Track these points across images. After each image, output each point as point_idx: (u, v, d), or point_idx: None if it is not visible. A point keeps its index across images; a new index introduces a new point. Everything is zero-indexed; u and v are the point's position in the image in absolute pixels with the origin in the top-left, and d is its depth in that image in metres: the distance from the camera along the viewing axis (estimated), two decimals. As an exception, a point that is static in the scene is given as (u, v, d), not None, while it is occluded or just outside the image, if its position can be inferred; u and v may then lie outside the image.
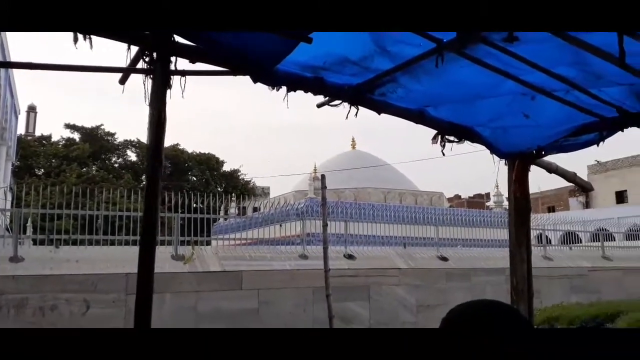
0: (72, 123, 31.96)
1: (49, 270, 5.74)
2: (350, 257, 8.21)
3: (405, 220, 12.34)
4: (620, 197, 33.06)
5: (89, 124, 32.59)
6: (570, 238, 14.04)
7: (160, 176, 2.12)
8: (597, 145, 2.83)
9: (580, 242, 14.11)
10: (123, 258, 6.24)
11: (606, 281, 10.53)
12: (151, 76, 2.15)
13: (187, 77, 2.33)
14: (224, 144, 79.40)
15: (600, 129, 2.74)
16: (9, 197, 9.55)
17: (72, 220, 8.34)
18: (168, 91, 2.17)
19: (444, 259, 9.07)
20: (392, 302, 7.98)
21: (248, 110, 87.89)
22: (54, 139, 31.67)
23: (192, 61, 2.22)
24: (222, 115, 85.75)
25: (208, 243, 8.68)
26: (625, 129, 2.70)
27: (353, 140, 29.21)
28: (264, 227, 8.84)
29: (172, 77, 2.17)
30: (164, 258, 6.60)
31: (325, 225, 6.51)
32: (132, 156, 33.07)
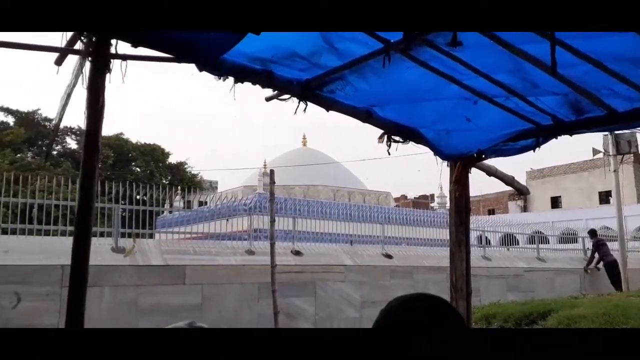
0: (5, 106, 30.24)
1: (-26, 261, 5.40)
2: (297, 253, 8.21)
3: (352, 218, 12.50)
4: (555, 202, 34.96)
5: (24, 107, 30.97)
6: (508, 240, 14.70)
7: (97, 163, 2.04)
8: (534, 151, 2.96)
9: (518, 244, 14.80)
10: (59, 249, 5.95)
11: (540, 281, 11.09)
12: (89, 59, 2.06)
13: (130, 62, 2.25)
14: (171, 136, 77.41)
15: (536, 136, 2.87)
16: None
17: (3, 208, 7.86)
18: (108, 75, 2.08)
19: (389, 256, 9.25)
20: (337, 298, 8.06)
21: (199, 103, 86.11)
22: (-15, 122, 29.85)
23: (134, 45, 2.14)
24: (172, 107, 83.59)
25: (151, 236, 8.43)
26: (558, 137, 2.84)
27: (304, 137, 29.25)
28: (211, 221, 8.70)
29: (112, 60, 2.08)
30: (103, 250, 6.35)
31: (272, 221, 6.48)
32: (72, 144, 31.72)
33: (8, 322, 5.40)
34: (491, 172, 3.52)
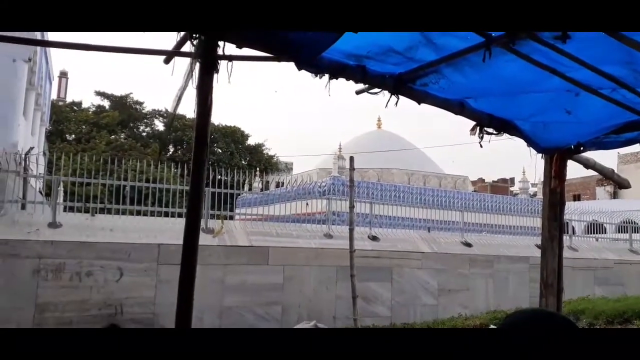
0: (102, 90, 32.52)
1: (85, 238, 5.95)
2: (374, 238, 8.27)
3: (429, 204, 12.31)
4: (651, 189, 32.16)
5: (118, 91, 33.13)
6: (595, 228, 13.79)
7: (206, 157, 2.20)
8: (640, 144, 2.79)
9: (605, 233, 13.83)
10: (155, 228, 6.43)
11: (632, 275, 10.38)
12: (199, 60, 2.20)
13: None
14: (249, 118, 79.79)
15: (644, 128, 2.70)
16: (43, 162, 9.85)
17: (101, 187, 8.54)
18: (215, 75, 2.22)
19: (468, 244, 9.06)
20: (414, 284, 8.05)
21: (272, 87, 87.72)
22: (84, 105, 32.29)
23: (239, 46, 2.26)
24: (248, 90, 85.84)
25: (231, 217, 8.80)
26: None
27: (379, 120, 28.98)
28: (288, 202, 8.90)
29: (219, 61, 2.21)
30: (193, 230, 6.73)
31: (352, 207, 6.57)
32: (159, 125, 33.56)
33: (111, 295, 5.94)
34: (589, 164, 3.36)
